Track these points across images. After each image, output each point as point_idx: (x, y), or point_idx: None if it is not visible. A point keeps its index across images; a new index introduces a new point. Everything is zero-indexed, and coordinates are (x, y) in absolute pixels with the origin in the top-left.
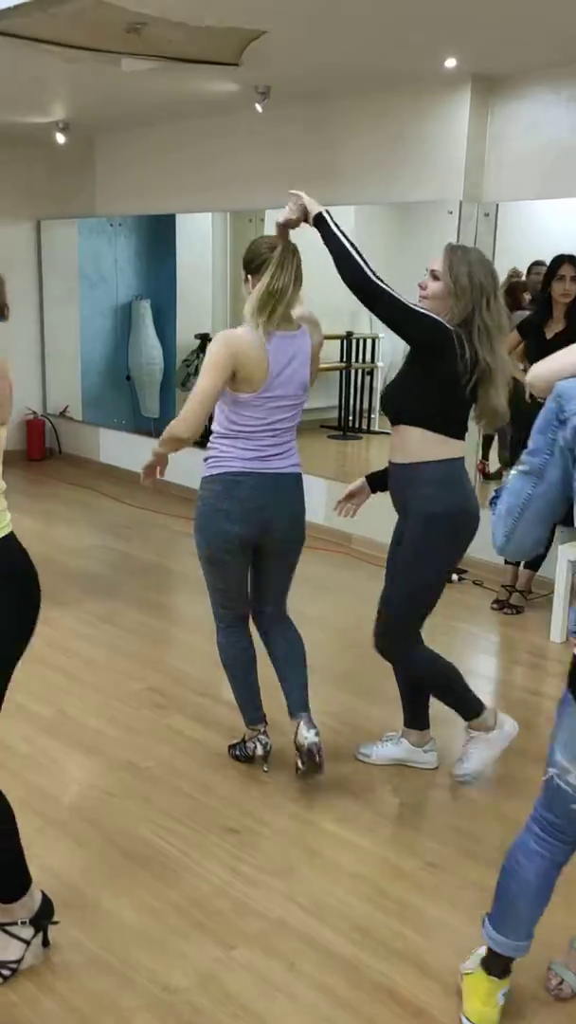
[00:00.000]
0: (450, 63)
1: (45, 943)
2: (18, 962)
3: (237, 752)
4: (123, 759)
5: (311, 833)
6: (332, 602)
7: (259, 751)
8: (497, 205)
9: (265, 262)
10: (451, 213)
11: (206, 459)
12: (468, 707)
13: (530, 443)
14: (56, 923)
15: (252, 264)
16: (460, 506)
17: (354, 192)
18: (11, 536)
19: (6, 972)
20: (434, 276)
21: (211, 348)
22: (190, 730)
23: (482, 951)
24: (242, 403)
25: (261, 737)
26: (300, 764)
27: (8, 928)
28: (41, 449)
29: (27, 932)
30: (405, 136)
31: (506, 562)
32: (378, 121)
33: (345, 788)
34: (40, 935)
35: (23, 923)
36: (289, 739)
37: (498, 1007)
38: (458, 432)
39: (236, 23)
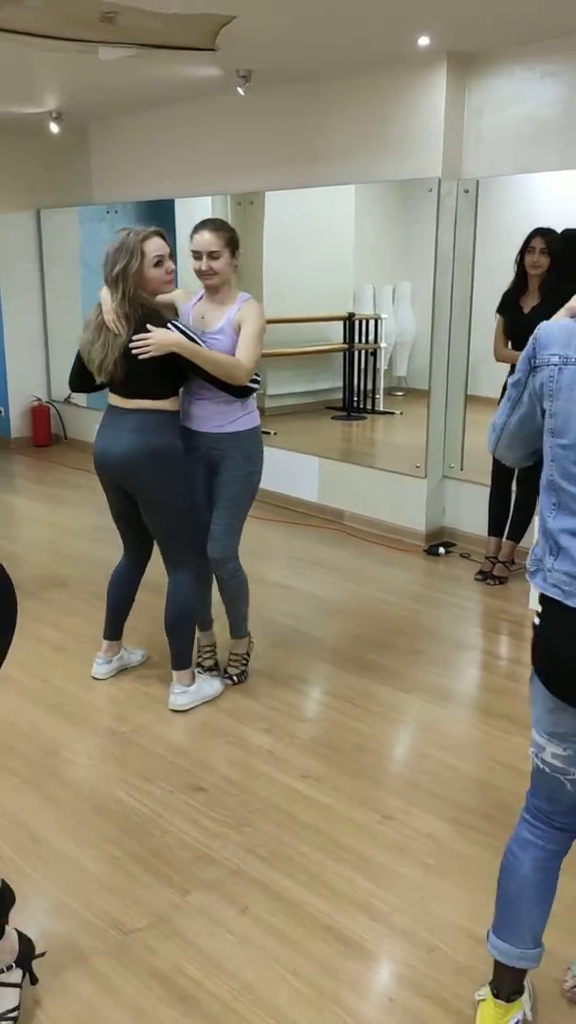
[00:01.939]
0: (423, 41)
1: (33, 981)
2: (17, 1008)
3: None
4: (103, 725)
5: (276, 790)
6: (324, 578)
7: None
8: (478, 181)
9: None
10: (431, 191)
11: (242, 415)
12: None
13: (515, 373)
14: (42, 955)
15: (239, 243)
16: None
17: (337, 172)
18: None
19: (7, 1022)
20: None
21: (258, 315)
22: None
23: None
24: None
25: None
26: None
27: None
28: (47, 435)
29: (16, 976)
30: (385, 116)
31: (489, 534)
32: (358, 102)
33: (315, 750)
34: (27, 975)
35: (9, 968)
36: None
37: None
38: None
39: (203, 9)
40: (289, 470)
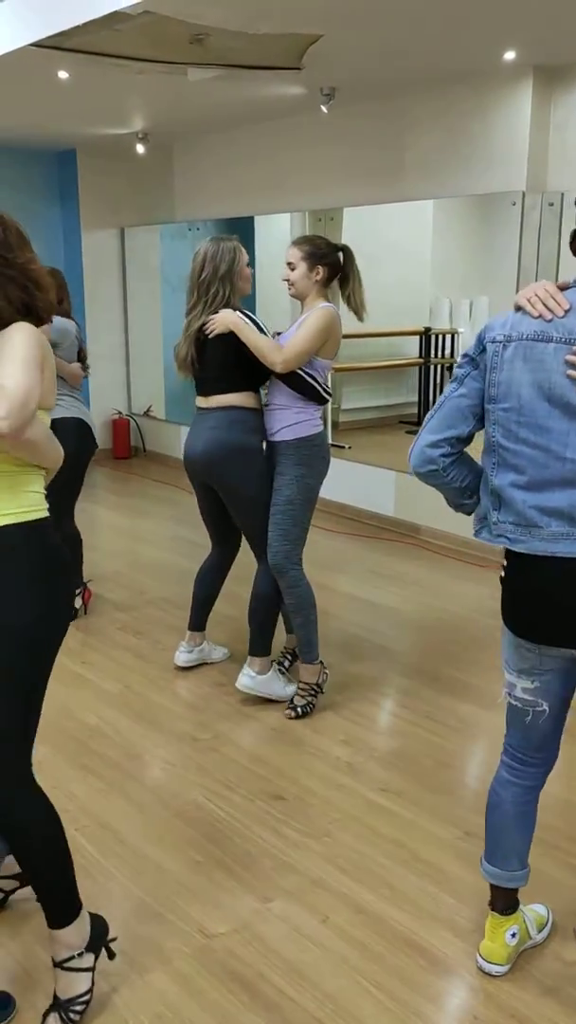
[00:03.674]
0: (509, 56)
1: (111, 956)
2: (89, 991)
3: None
4: (184, 732)
5: (356, 802)
6: (402, 592)
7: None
8: (562, 195)
9: (338, 261)
10: (514, 205)
11: (291, 424)
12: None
13: (467, 353)
14: (114, 939)
15: (326, 258)
16: None
17: (419, 187)
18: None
19: (79, 1007)
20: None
21: (318, 319)
22: (249, 707)
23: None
24: (325, 368)
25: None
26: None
27: (68, 966)
28: (126, 448)
29: (88, 960)
30: (468, 130)
31: None
32: (441, 117)
33: (394, 763)
34: (105, 951)
35: (80, 954)
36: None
37: (507, 945)
38: None
39: (291, 29)
40: (365, 484)
